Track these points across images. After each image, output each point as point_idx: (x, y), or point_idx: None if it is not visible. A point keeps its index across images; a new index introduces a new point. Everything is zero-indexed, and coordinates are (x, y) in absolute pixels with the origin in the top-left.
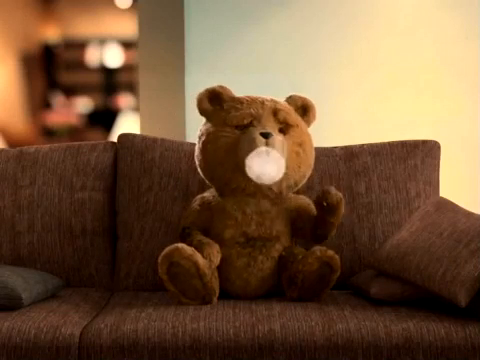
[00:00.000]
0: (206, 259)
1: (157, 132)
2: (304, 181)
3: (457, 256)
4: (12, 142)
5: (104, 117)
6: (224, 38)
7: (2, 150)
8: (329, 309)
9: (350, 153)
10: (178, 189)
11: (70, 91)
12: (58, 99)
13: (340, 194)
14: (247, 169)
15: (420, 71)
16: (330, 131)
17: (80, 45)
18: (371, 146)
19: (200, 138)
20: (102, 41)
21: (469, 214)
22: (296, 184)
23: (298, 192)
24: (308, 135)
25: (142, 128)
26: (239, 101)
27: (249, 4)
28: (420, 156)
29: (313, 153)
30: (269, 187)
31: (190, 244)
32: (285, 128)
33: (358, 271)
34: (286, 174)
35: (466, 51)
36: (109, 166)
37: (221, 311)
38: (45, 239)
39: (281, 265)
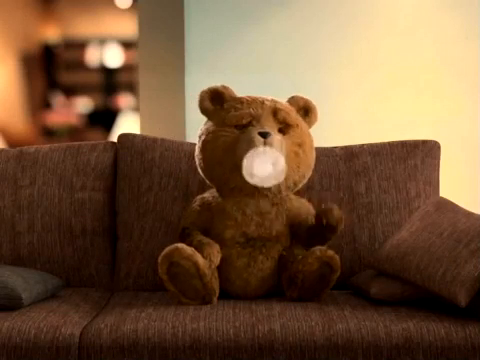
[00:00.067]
0: (206, 259)
1: (157, 132)
2: (304, 181)
3: (457, 256)
4: (12, 142)
5: (104, 117)
6: (224, 38)
7: (2, 150)
8: (329, 309)
9: (350, 153)
10: (178, 189)
11: (70, 91)
12: (58, 99)
13: (341, 214)
14: (244, 170)
15: (420, 71)
16: (330, 131)
17: (80, 45)
18: (371, 146)
19: (200, 137)
20: (102, 41)
21: (469, 214)
22: (295, 184)
23: (298, 192)
24: (309, 136)
25: (142, 128)
26: (239, 101)
27: (249, 4)
28: (420, 156)
29: (313, 154)
30: (268, 187)
31: (190, 244)
32: (285, 128)
33: (358, 271)
34: (286, 173)
35: (466, 51)
36: (109, 166)
37: (221, 311)
38: (45, 239)
39: (281, 265)
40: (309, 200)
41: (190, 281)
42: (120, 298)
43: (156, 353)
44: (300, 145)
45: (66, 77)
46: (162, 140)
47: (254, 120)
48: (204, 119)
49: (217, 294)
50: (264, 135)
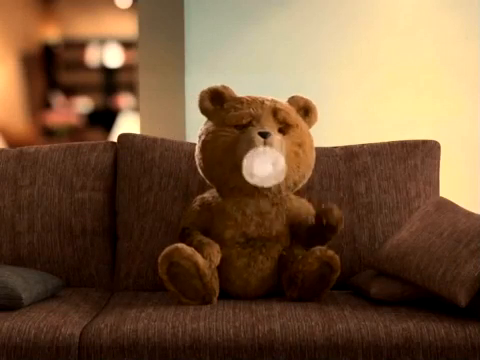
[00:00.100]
0: (206, 259)
1: (157, 132)
2: (304, 182)
3: (457, 256)
4: (12, 142)
5: (104, 117)
6: (224, 38)
7: (2, 150)
8: (329, 309)
9: (350, 153)
10: (178, 189)
11: (70, 91)
12: (58, 99)
13: (341, 214)
14: (244, 170)
15: (420, 71)
16: (330, 131)
17: (80, 45)
18: (371, 146)
19: (200, 137)
20: (102, 41)
21: (469, 214)
22: (295, 184)
23: (298, 192)
24: (309, 136)
25: (142, 128)
26: (239, 101)
27: (249, 4)
28: (420, 156)
29: (313, 154)
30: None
31: (190, 244)
32: (285, 128)
33: (358, 271)
34: (286, 173)
35: (466, 51)
36: (109, 166)
37: (221, 311)
38: (45, 239)
39: (281, 265)
40: (309, 200)
41: (190, 281)
42: (120, 298)
43: (156, 353)
44: (300, 145)
45: (66, 77)
46: (162, 140)
47: (254, 120)
48: (204, 119)
49: (217, 294)
50: (264, 135)
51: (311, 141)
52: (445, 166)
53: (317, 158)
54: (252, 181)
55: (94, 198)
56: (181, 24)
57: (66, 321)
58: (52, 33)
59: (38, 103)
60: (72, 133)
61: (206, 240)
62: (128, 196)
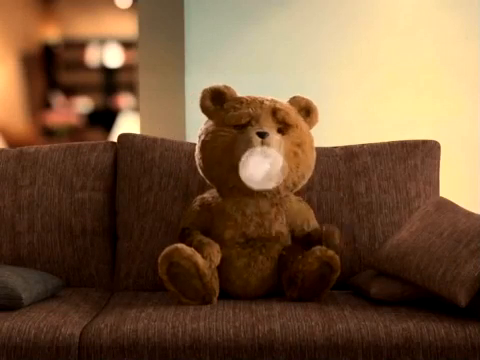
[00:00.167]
0: (206, 259)
1: (157, 132)
2: (304, 182)
3: (457, 256)
4: (12, 142)
5: (104, 117)
6: (224, 38)
7: (2, 150)
8: (329, 309)
9: (350, 153)
10: (178, 189)
11: (70, 91)
12: (58, 99)
13: (341, 238)
14: (240, 170)
15: (420, 71)
16: (330, 131)
17: (80, 45)
18: (371, 146)
19: (200, 137)
20: (102, 41)
21: (469, 214)
22: (295, 185)
23: (298, 193)
24: (309, 136)
25: (142, 128)
26: (239, 101)
27: (249, 4)
28: (420, 156)
29: (314, 154)
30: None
31: (190, 244)
32: (284, 128)
33: (358, 271)
34: (284, 173)
35: (466, 51)
36: (109, 166)
37: (221, 311)
38: (45, 239)
39: (281, 265)
40: (309, 200)
41: (190, 281)
42: (120, 298)
43: (156, 353)
44: (299, 145)
45: (66, 77)
46: (162, 140)
47: (253, 120)
48: (204, 119)
49: (217, 294)
50: (262, 135)
51: (311, 141)
52: (445, 166)
53: (317, 158)
54: (249, 184)
55: (94, 198)
56: (181, 24)
57: (66, 321)
58: (52, 33)
59: (38, 103)
60: (72, 133)
61: (206, 240)
62: (128, 196)
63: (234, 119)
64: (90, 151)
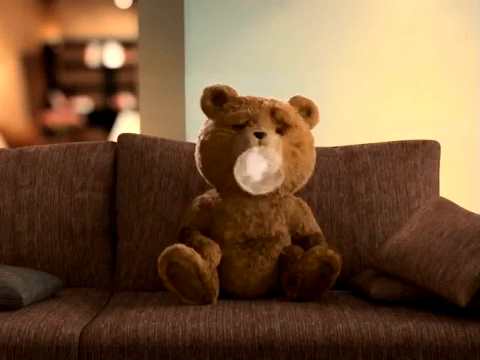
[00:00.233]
0: (206, 259)
1: (157, 132)
2: (303, 182)
3: (457, 256)
4: (12, 142)
5: (104, 117)
6: (224, 38)
7: (2, 150)
8: (329, 309)
9: (350, 153)
10: (178, 189)
11: (70, 91)
12: (58, 99)
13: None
14: (235, 171)
15: (420, 71)
16: (330, 131)
17: (80, 45)
18: (371, 146)
19: (199, 137)
20: (102, 41)
21: (469, 214)
22: (294, 185)
23: (298, 193)
24: (308, 136)
25: (142, 128)
26: (238, 101)
27: (249, 4)
28: (420, 156)
29: (313, 154)
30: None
31: (190, 244)
32: (283, 128)
33: (358, 271)
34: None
35: (466, 51)
36: (109, 166)
37: (221, 311)
38: (45, 239)
39: (281, 265)
40: (309, 200)
41: (190, 281)
42: (120, 298)
43: (156, 353)
44: (298, 145)
45: (66, 77)
46: (162, 140)
47: (251, 120)
48: (204, 119)
49: (217, 294)
50: (259, 135)
51: (311, 141)
52: (445, 166)
53: (317, 158)
54: (244, 186)
55: (94, 198)
56: (181, 24)
57: (66, 321)
58: (52, 33)
59: (38, 103)
60: (72, 133)
61: (206, 240)
62: (128, 196)
63: (232, 119)
64: (90, 151)
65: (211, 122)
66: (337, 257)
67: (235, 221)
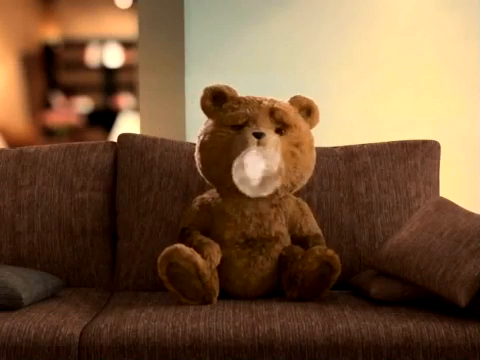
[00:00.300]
0: (206, 259)
1: (157, 132)
2: (303, 182)
3: (457, 256)
4: (12, 142)
5: (104, 117)
6: (224, 38)
7: (2, 150)
8: (329, 309)
9: (350, 153)
10: (178, 189)
11: (70, 91)
12: (58, 99)
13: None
14: (233, 172)
15: (420, 71)
16: (330, 131)
17: (80, 45)
18: (371, 146)
19: (199, 137)
20: (102, 41)
21: (469, 214)
22: (293, 185)
23: (298, 193)
24: (308, 136)
25: (142, 128)
26: (237, 101)
27: (249, 4)
28: (420, 156)
29: (313, 154)
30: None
31: (190, 244)
32: (282, 128)
33: (358, 271)
34: (281, 174)
35: (466, 51)
36: (109, 166)
37: (221, 311)
38: (45, 239)
39: (281, 265)
40: (309, 200)
41: (190, 281)
42: (120, 298)
43: (156, 353)
44: (297, 145)
45: (66, 77)
46: (162, 140)
47: (250, 120)
48: (204, 119)
49: (217, 294)
50: (258, 135)
51: (311, 141)
52: (445, 166)
53: (317, 158)
54: (242, 187)
55: (94, 198)
56: (181, 24)
57: (66, 321)
58: (52, 33)
59: (38, 103)
60: (72, 133)
61: (206, 240)
62: (128, 196)
63: (231, 119)
64: (90, 151)
65: (211, 122)
66: (337, 257)
67: (235, 221)
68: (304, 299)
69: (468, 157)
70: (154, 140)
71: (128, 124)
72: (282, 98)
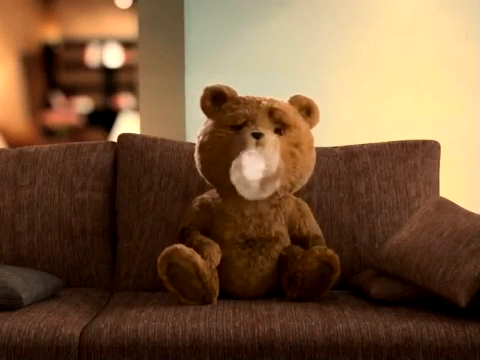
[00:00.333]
0: (206, 259)
1: (157, 132)
2: (303, 182)
3: (457, 256)
4: (12, 142)
5: (104, 117)
6: (224, 38)
7: (2, 150)
8: (329, 309)
9: (350, 153)
10: (178, 189)
11: (70, 91)
12: (58, 99)
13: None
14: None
15: (420, 71)
16: (330, 131)
17: (80, 45)
18: (371, 146)
19: (198, 138)
20: (102, 41)
21: (469, 214)
22: (293, 185)
23: (298, 193)
24: (307, 136)
25: (142, 128)
26: (236, 101)
27: (249, 4)
28: (420, 156)
29: (313, 154)
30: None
31: (190, 244)
32: (282, 128)
33: (358, 271)
34: (280, 174)
35: (466, 51)
36: (109, 166)
37: (221, 311)
38: (45, 239)
39: (281, 265)
40: (309, 200)
41: (190, 282)
42: (120, 298)
43: (156, 353)
44: (297, 145)
45: (66, 77)
46: (162, 140)
47: (249, 121)
48: (204, 119)
49: (217, 294)
50: (257, 136)
51: (310, 141)
52: (445, 166)
53: (317, 158)
54: (240, 188)
55: (94, 198)
56: (181, 24)
57: (66, 321)
58: (52, 33)
59: (38, 103)
60: (72, 133)
61: (206, 240)
62: (128, 196)
63: (230, 120)
64: (90, 151)
65: (210, 122)
66: (337, 257)
67: (235, 222)
68: (304, 299)
69: (468, 157)
70: (154, 140)
71: (128, 124)
72: (282, 98)
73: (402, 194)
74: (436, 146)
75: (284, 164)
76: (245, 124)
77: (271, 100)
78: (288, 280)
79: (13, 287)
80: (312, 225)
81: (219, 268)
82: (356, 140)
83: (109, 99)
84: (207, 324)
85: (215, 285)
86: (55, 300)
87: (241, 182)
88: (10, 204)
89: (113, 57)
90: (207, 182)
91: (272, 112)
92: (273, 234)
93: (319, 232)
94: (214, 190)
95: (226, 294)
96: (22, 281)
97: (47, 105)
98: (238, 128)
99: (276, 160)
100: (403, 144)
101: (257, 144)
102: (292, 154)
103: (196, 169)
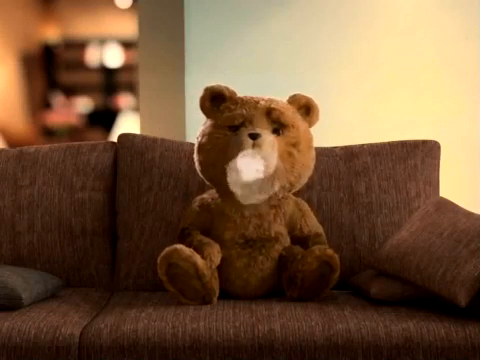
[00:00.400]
0: (206, 259)
1: (157, 132)
2: (302, 182)
3: (457, 256)
4: (12, 142)
5: (104, 117)
6: (224, 38)
7: (2, 150)
8: (329, 309)
9: (350, 153)
10: (178, 189)
11: (70, 91)
12: (58, 99)
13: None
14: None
15: (420, 71)
16: (330, 131)
17: (80, 45)
18: (371, 146)
19: (197, 138)
20: (102, 41)
21: (469, 214)
22: (292, 184)
23: (298, 193)
24: (306, 135)
25: (142, 128)
26: (235, 101)
27: (249, 4)
28: (420, 156)
29: (312, 154)
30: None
31: (190, 244)
32: (280, 128)
33: (358, 271)
34: (278, 174)
35: (466, 51)
36: (109, 166)
37: (221, 311)
38: (45, 239)
39: (281, 265)
40: (309, 200)
41: (189, 282)
42: (120, 298)
43: (156, 353)
44: (295, 145)
45: (66, 77)
46: (162, 140)
47: (246, 121)
48: (204, 119)
49: (217, 294)
50: (254, 136)
51: (309, 141)
52: (445, 166)
53: (317, 158)
54: (236, 190)
55: (94, 198)
56: (181, 24)
57: (66, 321)
58: (52, 33)
59: (38, 103)
60: (72, 133)
61: (206, 240)
62: (128, 196)
63: (228, 120)
64: (90, 151)
65: (209, 123)
66: (336, 257)
67: (235, 222)
68: (304, 299)
69: (468, 157)
70: (154, 140)
71: (128, 124)
72: (282, 98)
73: (402, 194)
74: (436, 146)
75: (282, 164)
76: (242, 125)
77: (269, 100)
78: (288, 280)
79: (13, 287)
80: (313, 223)
81: (219, 268)
82: (356, 140)
83: (109, 99)
84: (207, 324)
85: (215, 285)
86: (55, 300)
87: (237, 184)
88: (10, 204)
89: (113, 57)
90: (207, 182)
91: (270, 112)
92: (273, 234)
93: (320, 230)
94: (214, 190)
95: (226, 294)
96: (22, 281)
97: (47, 105)
98: (236, 129)
99: (273, 161)
100: (403, 144)
101: (254, 145)
102: (290, 154)
103: (196, 169)
